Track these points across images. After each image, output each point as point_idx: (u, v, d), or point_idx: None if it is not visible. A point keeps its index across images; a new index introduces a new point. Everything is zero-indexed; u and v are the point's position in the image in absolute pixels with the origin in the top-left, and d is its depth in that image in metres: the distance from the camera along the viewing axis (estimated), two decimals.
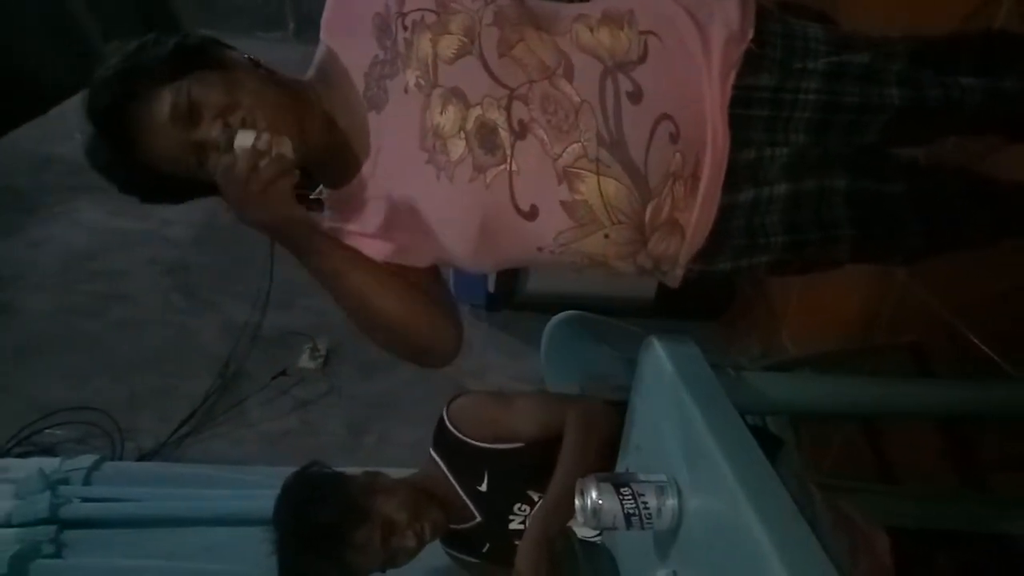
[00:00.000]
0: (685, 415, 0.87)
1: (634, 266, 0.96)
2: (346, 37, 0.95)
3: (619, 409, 1.24)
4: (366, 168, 0.94)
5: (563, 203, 0.88)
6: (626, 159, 0.87)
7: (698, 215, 0.91)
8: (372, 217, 0.94)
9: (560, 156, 0.87)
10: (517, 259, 0.98)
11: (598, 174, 0.87)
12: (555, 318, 1.71)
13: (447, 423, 1.43)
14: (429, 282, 0.98)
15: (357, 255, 0.93)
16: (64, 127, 3.87)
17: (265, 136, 0.82)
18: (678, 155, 0.88)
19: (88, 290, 2.75)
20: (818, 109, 0.91)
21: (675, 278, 0.99)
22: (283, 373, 2.41)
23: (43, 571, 1.70)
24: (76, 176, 3.40)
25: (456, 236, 0.92)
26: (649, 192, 0.89)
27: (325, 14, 0.98)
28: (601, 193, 0.88)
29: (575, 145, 0.86)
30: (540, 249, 0.93)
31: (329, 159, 0.96)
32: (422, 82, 0.88)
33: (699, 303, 2.59)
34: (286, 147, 0.83)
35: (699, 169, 0.90)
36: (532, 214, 0.89)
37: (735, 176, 0.92)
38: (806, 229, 0.94)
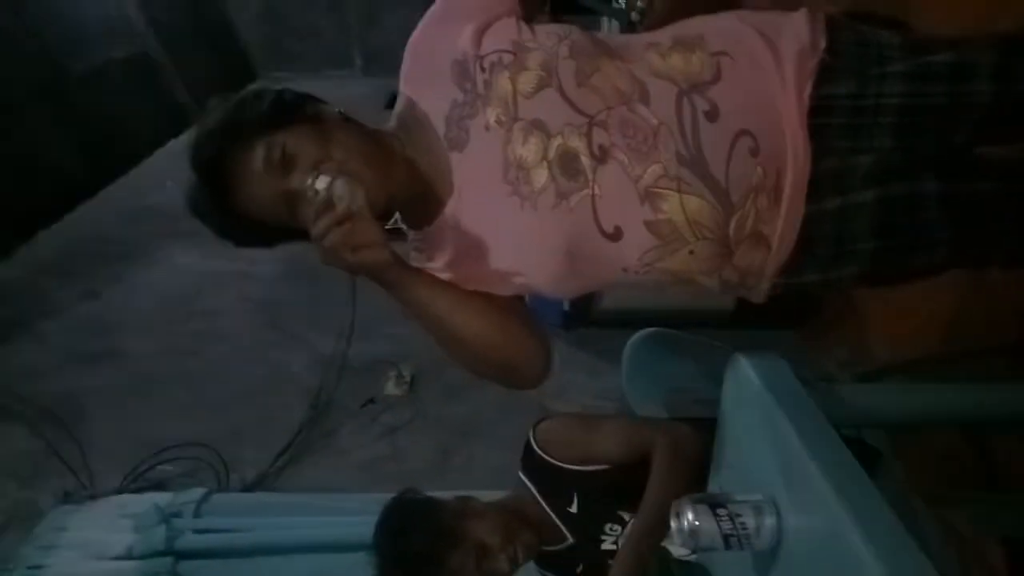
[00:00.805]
0: (778, 432, 0.87)
1: (719, 281, 0.96)
2: (425, 86, 1.00)
3: (705, 426, 1.24)
4: (449, 207, 0.97)
5: (647, 223, 0.90)
6: (707, 175, 0.88)
7: (783, 226, 0.91)
8: (457, 253, 0.97)
9: (641, 177, 0.89)
10: (601, 282, 1.00)
11: (680, 192, 0.88)
12: (635, 336, 1.71)
13: (534, 446, 1.46)
14: (514, 305, 1.01)
15: (439, 282, 0.96)
16: (155, 178, 4.14)
17: (342, 183, 0.87)
18: (759, 168, 0.89)
19: (187, 330, 2.90)
20: (902, 112, 0.90)
21: (760, 292, 0.99)
22: (371, 401, 2.48)
23: None
24: (170, 223, 3.60)
25: (542, 263, 0.94)
26: (732, 206, 0.89)
27: (404, 66, 1.03)
28: (684, 210, 0.89)
29: (656, 166, 0.88)
30: (625, 270, 0.95)
31: (413, 202, 1.01)
32: (503, 118, 0.92)
33: (781, 311, 2.52)
34: (358, 197, 0.87)
35: (781, 181, 0.90)
36: (616, 235, 0.91)
37: (819, 186, 0.91)
38: (896, 234, 0.93)
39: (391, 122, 1.04)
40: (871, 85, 0.90)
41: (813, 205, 0.92)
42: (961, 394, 1.20)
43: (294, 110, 0.95)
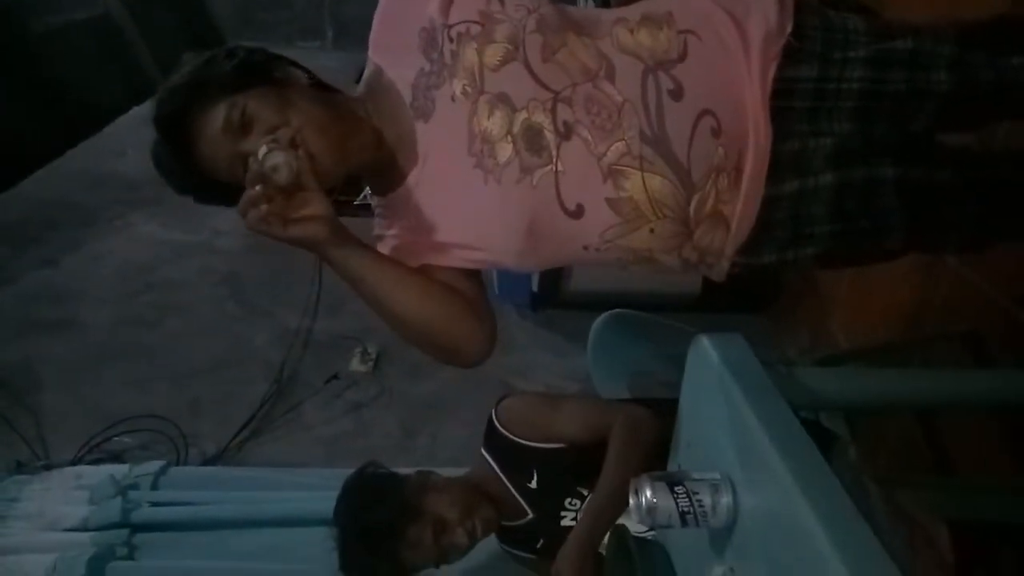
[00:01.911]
0: (737, 412, 0.87)
1: (679, 259, 0.97)
2: (393, 53, 0.99)
3: (667, 408, 1.26)
4: (412, 176, 0.97)
5: (608, 200, 0.90)
6: (669, 154, 0.89)
7: (742, 207, 0.92)
8: (418, 222, 0.97)
9: (604, 155, 0.89)
10: (562, 258, 1.00)
11: (642, 171, 0.89)
12: (600, 318, 1.72)
13: (496, 423, 1.46)
14: (464, 281, 1.00)
15: (381, 259, 0.95)
16: (118, 144, 4.03)
17: (276, 155, 0.84)
18: (721, 149, 0.89)
19: (147, 301, 2.85)
20: (862, 97, 0.91)
21: (720, 271, 1.00)
22: (335, 377, 2.46)
23: (118, 573, 1.79)
24: (131, 191, 3.52)
25: (504, 236, 0.94)
26: (693, 186, 0.90)
27: (372, 33, 1.01)
28: (646, 189, 0.89)
29: (619, 143, 0.88)
30: (586, 248, 0.95)
31: (378, 169, 1.00)
32: (468, 90, 0.91)
33: (745, 296, 2.56)
34: (290, 170, 0.84)
35: (742, 162, 0.91)
36: (578, 213, 0.92)
37: (779, 167, 0.92)
38: (854, 218, 0.94)
39: (360, 88, 1.03)
40: (834, 69, 0.91)
41: (773, 187, 0.93)
42: (915, 381, 1.23)
43: (262, 72, 0.94)
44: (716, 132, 0.89)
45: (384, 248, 1.01)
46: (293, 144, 0.88)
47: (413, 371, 2.54)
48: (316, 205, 0.86)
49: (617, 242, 0.94)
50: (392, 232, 1.00)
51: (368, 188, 1.06)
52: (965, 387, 1.17)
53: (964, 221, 0.97)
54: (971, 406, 1.39)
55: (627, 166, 0.89)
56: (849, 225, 0.94)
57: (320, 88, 0.98)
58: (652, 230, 0.92)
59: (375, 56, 1.01)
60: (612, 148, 0.88)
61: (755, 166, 0.91)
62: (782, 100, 0.91)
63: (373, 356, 2.57)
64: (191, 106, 0.90)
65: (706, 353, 0.96)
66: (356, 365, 2.54)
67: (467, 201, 0.94)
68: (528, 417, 1.45)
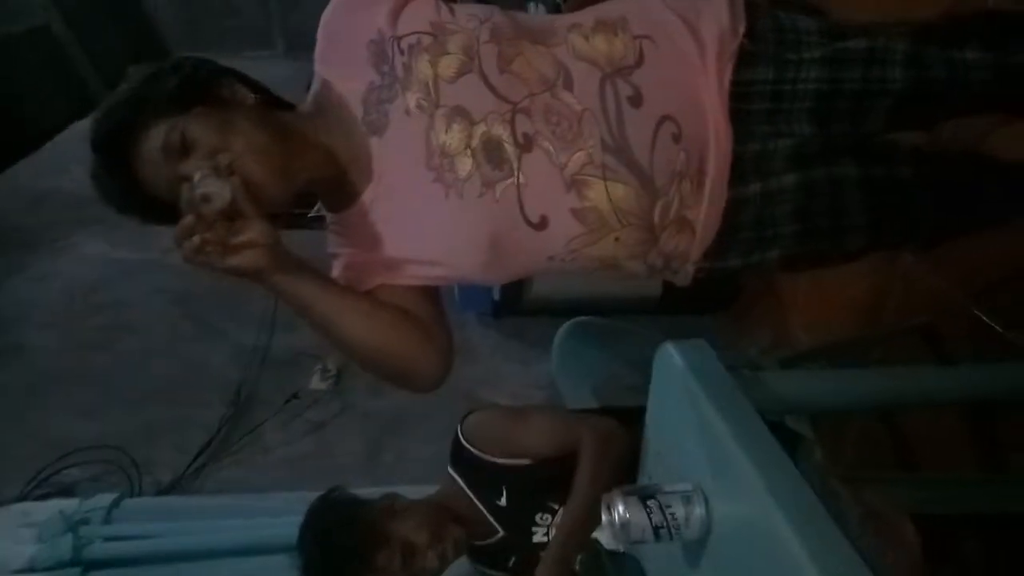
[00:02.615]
0: (705, 420, 0.86)
1: (645, 266, 0.96)
2: (341, 67, 0.96)
3: (635, 416, 1.25)
4: (367, 193, 0.94)
5: (573, 211, 0.89)
6: (631, 162, 0.88)
7: (706, 211, 0.92)
8: (374, 240, 0.94)
9: (567, 165, 0.88)
10: (527, 270, 0.99)
11: (604, 179, 0.88)
12: (563, 327, 1.71)
13: (462, 441, 1.44)
14: (419, 302, 0.97)
15: (326, 286, 0.92)
16: (59, 161, 3.89)
17: (212, 181, 0.82)
18: (682, 154, 0.89)
19: (95, 324, 2.76)
20: (819, 98, 0.91)
21: (686, 276, 1.00)
22: (295, 396, 2.41)
23: None
24: (74, 210, 3.40)
25: (466, 251, 0.92)
26: (656, 192, 0.89)
27: (318, 47, 0.98)
28: (610, 197, 0.88)
29: (580, 153, 0.87)
30: (551, 258, 0.94)
31: (330, 187, 0.97)
32: (424, 103, 0.89)
33: (706, 297, 2.59)
34: (224, 197, 0.81)
35: (704, 166, 0.91)
36: (542, 224, 0.90)
37: (741, 170, 0.92)
38: (817, 217, 0.94)
39: (307, 103, 0.99)
40: (789, 70, 0.91)
41: (736, 189, 0.93)
42: (879, 381, 1.23)
43: (206, 90, 0.90)
44: (677, 137, 0.89)
45: (339, 266, 0.98)
46: (230, 170, 0.84)
47: (375, 387, 2.49)
48: (255, 232, 0.82)
49: (583, 251, 0.93)
50: (347, 250, 0.97)
51: (321, 204, 1.03)
52: (927, 384, 1.19)
53: (923, 218, 0.98)
54: (933, 403, 1.41)
55: (590, 175, 0.88)
56: (811, 224, 0.95)
57: (268, 105, 0.95)
58: (617, 238, 0.91)
59: (322, 70, 0.98)
60: (574, 158, 0.87)
61: (717, 169, 0.91)
62: (740, 102, 0.91)
63: (333, 372, 2.52)
64: (131, 126, 0.87)
65: (671, 360, 0.95)
66: (316, 383, 2.49)
67: (428, 216, 0.92)
68: (495, 433, 1.43)
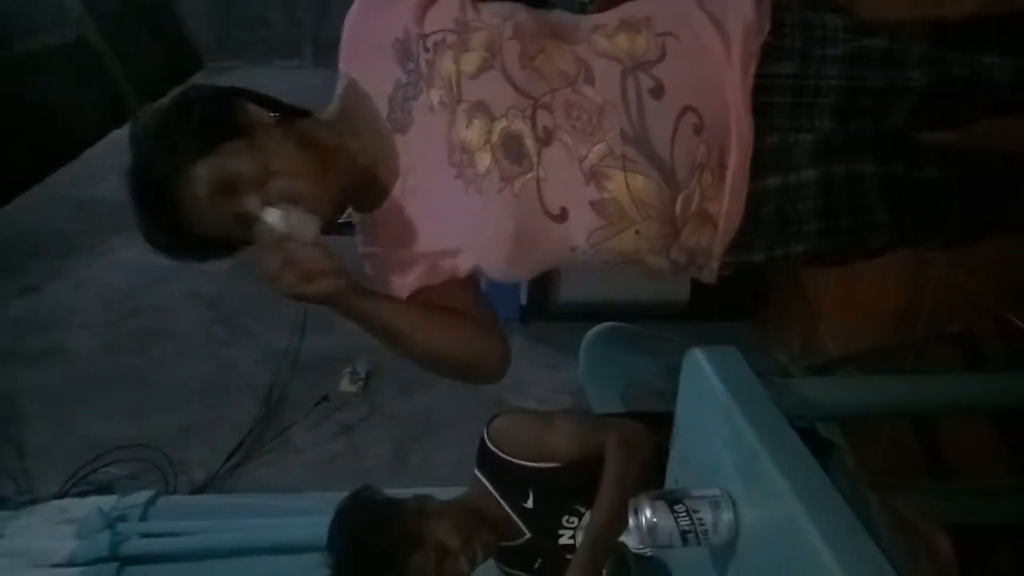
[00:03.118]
0: (734, 426, 0.86)
1: (668, 261, 0.96)
2: (367, 65, 0.97)
3: (661, 419, 1.25)
4: (396, 190, 0.96)
5: (592, 203, 0.90)
6: (652, 153, 0.88)
7: (728, 204, 0.92)
8: (403, 234, 0.96)
9: (586, 157, 0.88)
10: (552, 263, 0.99)
11: (624, 171, 0.88)
12: (591, 332, 1.71)
13: (488, 444, 1.45)
14: (467, 298, 0.99)
15: (394, 304, 0.95)
16: (97, 169, 3.99)
17: (293, 216, 0.84)
18: (703, 146, 0.89)
19: (131, 327, 2.81)
20: (841, 94, 0.91)
21: (711, 272, 0.99)
22: (325, 398, 2.44)
23: None
24: (111, 216, 3.48)
25: (490, 247, 0.93)
26: (677, 184, 0.89)
27: (343, 45, 0.99)
28: (629, 189, 0.89)
29: (600, 145, 0.88)
30: (573, 249, 0.94)
31: (359, 189, 0.98)
32: (446, 100, 0.90)
33: (734, 303, 2.57)
34: (310, 228, 0.85)
35: (725, 158, 0.91)
36: (562, 216, 0.91)
37: (761, 163, 0.92)
38: (839, 215, 0.94)
39: (332, 105, 1.00)
40: (813, 66, 0.91)
41: (756, 183, 0.92)
42: (910, 387, 1.22)
43: (225, 123, 0.89)
44: (698, 129, 0.89)
45: (373, 265, 1.00)
46: (292, 197, 0.86)
47: (404, 389, 2.52)
48: (327, 260, 0.85)
49: (604, 244, 0.93)
50: (377, 248, 0.99)
51: (350, 207, 1.05)
52: (960, 392, 1.17)
53: (948, 217, 0.97)
54: (966, 410, 1.39)
55: (609, 167, 0.88)
56: (834, 222, 0.94)
57: (286, 118, 0.95)
58: (638, 231, 0.92)
59: (348, 69, 0.99)
60: (593, 150, 0.88)
61: (738, 162, 0.91)
62: (762, 96, 0.91)
63: (363, 375, 2.54)
64: (169, 181, 0.87)
65: (700, 367, 0.95)
66: (346, 385, 2.52)
67: (452, 211, 0.93)
68: (521, 436, 1.43)
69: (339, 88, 1.00)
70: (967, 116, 1.03)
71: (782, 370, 1.34)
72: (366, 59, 0.97)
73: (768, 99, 0.91)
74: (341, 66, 1.00)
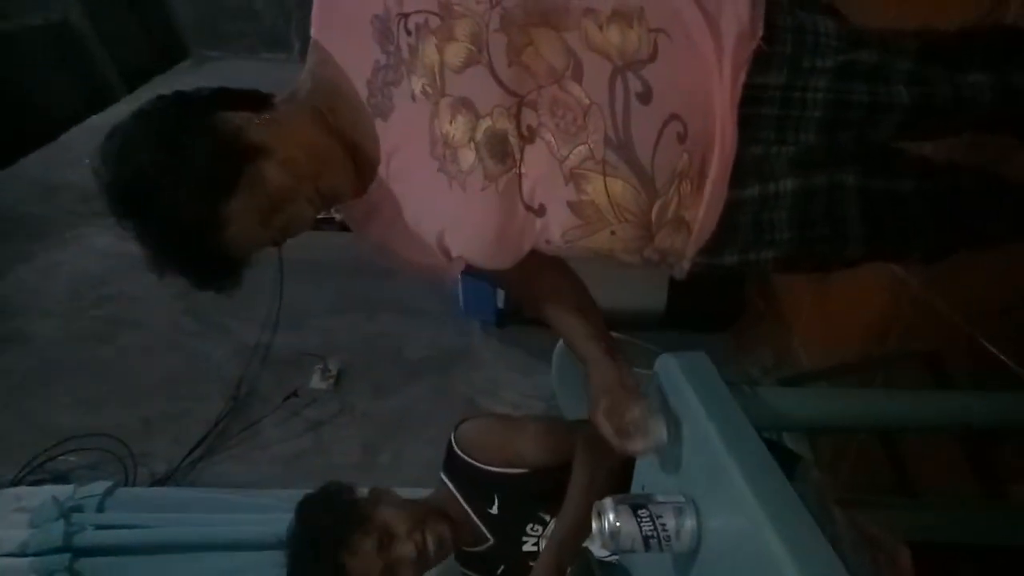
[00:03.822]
0: (701, 432, 0.86)
1: (640, 259, 0.97)
2: (343, 40, 0.93)
3: None
4: (381, 171, 0.95)
5: (570, 203, 0.90)
6: (632, 160, 0.87)
7: (705, 212, 0.92)
8: (391, 221, 0.96)
9: (567, 158, 0.88)
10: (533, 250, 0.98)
11: (604, 175, 0.88)
12: None
13: (455, 448, 1.43)
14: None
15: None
16: (73, 154, 3.91)
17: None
18: (685, 155, 0.88)
19: (98, 315, 2.76)
20: (828, 108, 0.91)
21: (681, 271, 1.00)
22: (295, 394, 2.40)
23: None
24: (84, 203, 3.42)
25: (473, 241, 0.93)
26: (655, 192, 0.89)
27: (316, 14, 0.94)
28: (608, 193, 0.89)
29: (582, 147, 0.87)
30: (548, 242, 0.95)
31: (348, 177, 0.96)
32: (429, 90, 0.88)
33: (710, 315, 2.57)
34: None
35: (706, 168, 0.90)
36: (540, 211, 0.91)
37: (742, 172, 0.92)
38: (815, 225, 0.94)
39: (304, 79, 0.95)
40: (801, 78, 0.91)
41: (735, 192, 0.92)
42: (878, 402, 1.23)
43: (232, 151, 0.84)
44: (682, 138, 0.88)
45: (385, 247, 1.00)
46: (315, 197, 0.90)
47: (375, 389, 2.49)
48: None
49: (578, 243, 0.93)
50: (367, 233, 0.99)
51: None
52: (927, 409, 1.18)
53: (925, 230, 0.98)
54: (933, 428, 1.41)
55: (589, 170, 0.88)
56: (810, 232, 0.94)
57: (269, 109, 0.91)
58: (613, 232, 0.92)
59: (322, 38, 0.94)
60: (575, 151, 0.87)
61: (719, 172, 0.90)
62: (749, 107, 0.90)
63: (334, 373, 2.51)
64: (207, 223, 0.83)
65: (671, 373, 0.95)
66: (316, 382, 2.48)
67: (436, 201, 0.92)
68: (488, 441, 1.42)
69: (310, 62, 0.95)
70: (952, 131, 1.04)
71: (752, 381, 1.33)
72: (341, 32, 0.93)
73: (755, 110, 0.90)
74: (314, 34, 0.95)
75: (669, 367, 0.96)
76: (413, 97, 0.89)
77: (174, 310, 2.79)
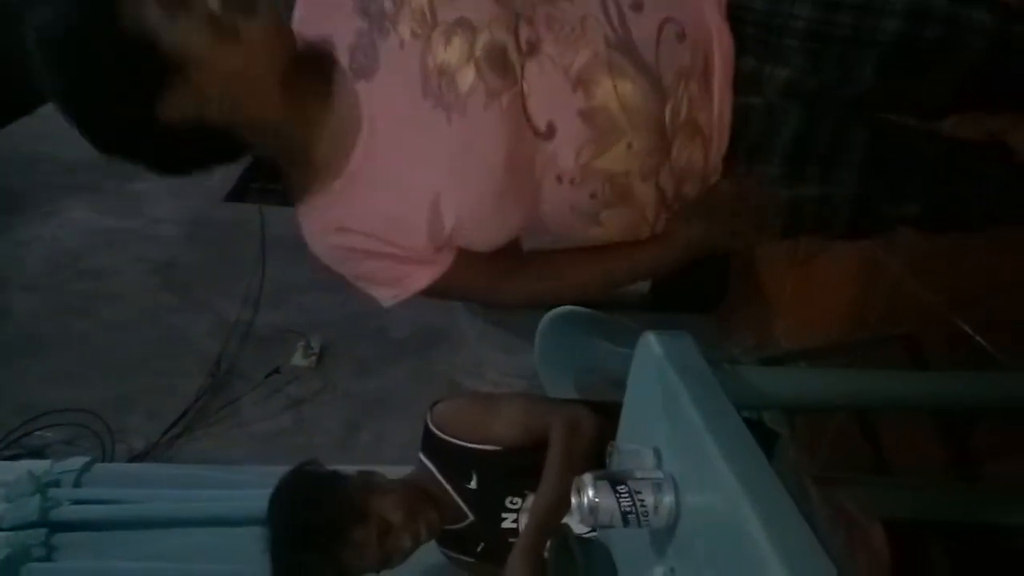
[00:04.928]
0: (681, 411, 0.86)
1: (655, 191, 0.94)
2: (326, 23, 0.91)
3: (609, 409, 1.24)
4: (358, 148, 0.88)
5: (580, 112, 0.87)
6: (637, 59, 0.87)
7: (717, 112, 0.91)
8: (375, 196, 0.89)
9: (572, 64, 0.86)
10: (538, 201, 0.92)
11: (612, 76, 0.86)
12: (549, 314, 1.70)
13: (431, 427, 1.43)
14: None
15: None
16: (54, 126, 3.83)
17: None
18: (687, 53, 0.89)
19: (77, 289, 2.73)
20: (807, 38, 0.91)
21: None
22: (276, 371, 2.39)
23: (34, 574, 1.69)
24: (64, 176, 3.36)
25: (481, 176, 0.87)
26: (664, 91, 0.88)
27: (297, 12, 0.94)
28: (617, 95, 0.87)
29: (585, 50, 0.86)
30: (560, 177, 0.89)
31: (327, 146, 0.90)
32: (418, 30, 0.86)
33: (694, 296, 2.59)
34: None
35: (710, 68, 0.91)
36: (549, 133, 0.87)
37: (744, 79, 0.92)
38: (819, 141, 0.94)
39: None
40: (784, 4, 0.91)
41: (741, 97, 0.92)
42: (856, 381, 1.24)
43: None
44: (681, 37, 0.88)
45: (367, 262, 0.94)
46: None
47: (358, 367, 2.49)
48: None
49: (593, 163, 0.89)
50: (359, 234, 0.91)
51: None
52: (903, 389, 1.19)
53: (926, 179, 0.98)
54: (909, 407, 1.42)
55: (596, 72, 0.86)
56: (814, 146, 0.94)
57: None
58: (630, 145, 0.89)
59: (307, 32, 0.91)
60: (579, 56, 0.86)
61: (723, 70, 0.91)
62: (735, 24, 0.91)
63: (316, 350, 2.50)
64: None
65: (652, 350, 0.95)
66: (298, 359, 2.48)
67: (431, 148, 0.87)
68: (463, 418, 1.42)
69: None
70: (930, 95, 1.01)
71: (733, 360, 1.34)
72: (325, 18, 0.91)
73: (740, 27, 0.91)
74: (296, 28, 0.92)
75: (650, 344, 0.96)
76: (401, 45, 0.86)
77: (154, 285, 2.77)
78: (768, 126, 0.94)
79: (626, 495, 0.82)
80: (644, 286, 2.59)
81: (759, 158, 0.95)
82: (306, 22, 0.94)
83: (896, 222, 1.04)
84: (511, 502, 1.39)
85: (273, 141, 0.91)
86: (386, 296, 0.97)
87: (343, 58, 0.90)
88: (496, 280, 1.00)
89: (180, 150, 0.86)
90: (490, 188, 0.88)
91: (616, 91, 0.87)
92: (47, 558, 1.73)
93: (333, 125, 0.90)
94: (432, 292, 0.95)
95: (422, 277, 0.93)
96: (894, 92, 0.98)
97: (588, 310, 1.68)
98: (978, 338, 1.45)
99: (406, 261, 0.92)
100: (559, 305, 1.07)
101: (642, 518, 0.82)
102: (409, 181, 0.88)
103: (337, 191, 0.90)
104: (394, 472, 1.46)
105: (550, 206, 0.93)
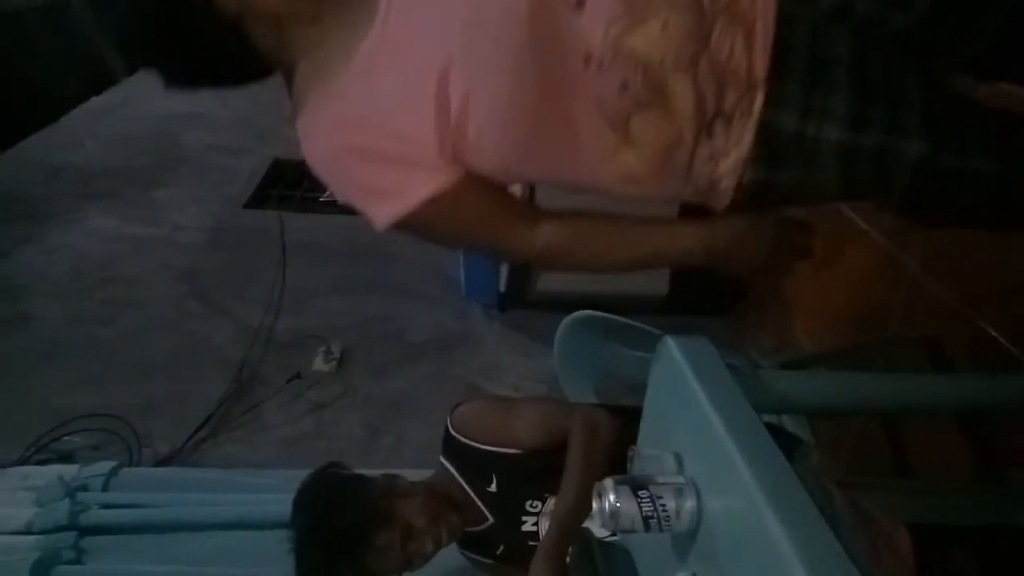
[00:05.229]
0: (702, 416, 0.86)
1: (693, 90, 0.83)
2: None
3: (627, 413, 1.25)
4: (376, 24, 0.82)
5: None
6: None
7: (761, 3, 0.83)
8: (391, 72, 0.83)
9: None
10: (561, 93, 0.84)
11: None
12: (567, 318, 1.70)
13: (451, 430, 1.44)
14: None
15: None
16: (74, 136, 3.91)
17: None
18: None
19: (101, 297, 2.77)
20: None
21: (728, 180, 0.88)
22: (297, 376, 2.41)
23: None
24: (87, 184, 3.43)
25: (500, 35, 0.80)
26: None
27: None
28: None
29: None
30: (588, 61, 0.81)
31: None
32: None
33: (711, 299, 2.58)
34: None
35: None
36: (579, 3, 0.80)
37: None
38: (872, 74, 0.86)
39: None
40: None
41: (784, 6, 0.84)
42: (878, 385, 1.23)
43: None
44: None
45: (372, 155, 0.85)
46: None
47: (378, 371, 2.50)
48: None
49: (625, 40, 0.80)
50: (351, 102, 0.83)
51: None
52: (926, 391, 1.18)
53: (982, 131, 0.88)
54: (932, 410, 1.41)
55: None
56: (867, 71, 0.86)
57: None
58: (665, 24, 0.80)
59: None
60: None
61: None
62: None
63: (337, 355, 2.52)
64: None
65: (671, 355, 0.95)
66: (319, 364, 2.49)
67: (449, 8, 0.81)
68: (483, 421, 1.42)
69: None
70: (979, 41, 0.90)
71: (754, 365, 1.34)
72: None
73: None
74: None
75: (670, 350, 0.96)
76: None
77: (177, 292, 2.80)
78: (817, 44, 0.85)
79: (647, 500, 0.82)
80: (661, 289, 2.59)
81: (819, 87, 0.85)
82: None
83: (961, 188, 0.90)
84: (531, 505, 1.39)
85: (289, 33, 0.85)
86: (387, 212, 0.86)
87: None
88: (504, 221, 0.93)
89: (210, 47, 0.84)
90: (507, 57, 0.80)
91: None
92: (77, 561, 1.77)
93: (351, 16, 0.84)
94: (435, 218, 0.87)
95: (425, 184, 0.84)
96: (943, 34, 0.89)
97: (606, 314, 1.68)
98: (1001, 339, 1.43)
99: (410, 164, 0.84)
100: (571, 271, 0.99)
101: (663, 523, 0.82)
102: (420, 49, 0.81)
103: (345, 83, 0.83)
104: (414, 475, 1.47)
105: (576, 105, 0.84)
